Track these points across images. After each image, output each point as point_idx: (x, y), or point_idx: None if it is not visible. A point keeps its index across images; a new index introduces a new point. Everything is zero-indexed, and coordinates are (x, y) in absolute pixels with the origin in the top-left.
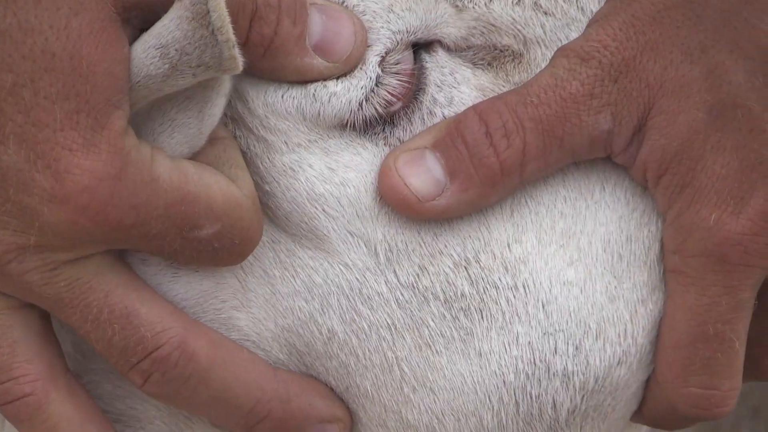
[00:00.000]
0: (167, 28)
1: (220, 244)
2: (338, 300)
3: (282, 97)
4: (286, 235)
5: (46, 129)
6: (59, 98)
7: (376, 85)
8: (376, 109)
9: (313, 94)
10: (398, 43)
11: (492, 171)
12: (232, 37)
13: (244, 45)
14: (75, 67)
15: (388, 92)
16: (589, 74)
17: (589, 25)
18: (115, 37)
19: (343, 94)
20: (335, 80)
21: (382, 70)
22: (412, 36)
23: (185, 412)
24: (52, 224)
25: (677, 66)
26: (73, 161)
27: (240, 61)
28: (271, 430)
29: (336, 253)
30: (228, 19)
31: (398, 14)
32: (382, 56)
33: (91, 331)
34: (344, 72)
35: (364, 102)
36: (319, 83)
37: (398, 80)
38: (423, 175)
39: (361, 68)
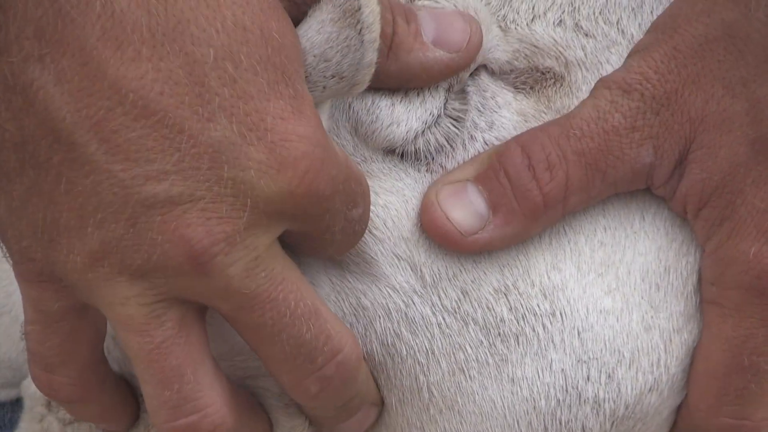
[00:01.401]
0: (306, 33)
1: (359, 227)
2: (382, 324)
3: (341, 102)
4: (334, 263)
5: (253, 100)
6: (260, 69)
7: (438, 117)
8: (429, 143)
9: (374, 112)
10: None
11: (535, 204)
12: (378, 37)
13: None
14: (267, 39)
15: (447, 125)
16: (632, 107)
17: (630, 56)
18: (285, 12)
19: (403, 122)
20: (401, 103)
21: (446, 104)
22: (474, 65)
23: (315, 410)
24: (267, 197)
25: (718, 100)
26: (288, 128)
27: (372, 73)
28: (352, 407)
29: (383, 277)
30: (379, 16)
31: None
32: (447, 89)
33: (288, 326)
34: (468, 61)
35: (420, 134)
36: (387, 101)
37: (454, 118)
38: (465, 209)
39: (427, 100)
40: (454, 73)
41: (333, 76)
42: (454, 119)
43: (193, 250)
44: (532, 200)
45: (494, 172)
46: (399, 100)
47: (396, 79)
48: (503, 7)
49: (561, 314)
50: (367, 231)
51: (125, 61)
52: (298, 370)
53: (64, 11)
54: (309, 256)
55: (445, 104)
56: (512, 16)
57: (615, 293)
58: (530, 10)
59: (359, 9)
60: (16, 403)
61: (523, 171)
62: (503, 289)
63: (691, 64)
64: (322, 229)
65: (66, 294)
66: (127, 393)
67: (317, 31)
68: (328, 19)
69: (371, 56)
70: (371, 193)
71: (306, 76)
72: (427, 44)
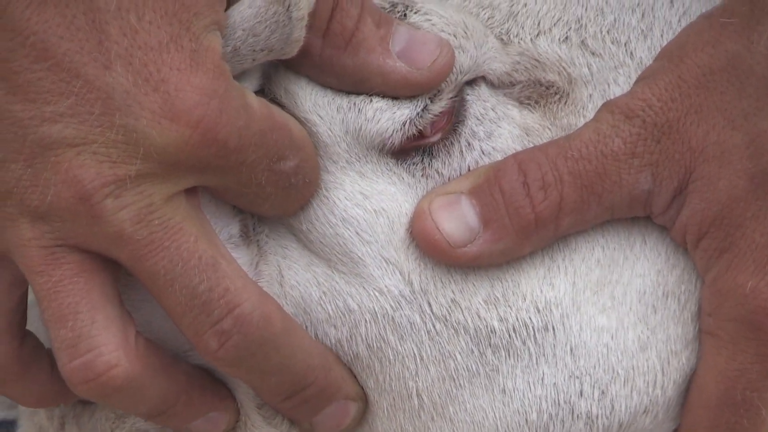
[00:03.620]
0: (239, 6)
1: (295, 180)
2: (367, 328)
3: (329, 102)
4: (321, 260)
5: (152, 51)
6: (163, 23)
7: (423, 109)
8: (419, 130)
9: (358, 107)
10: (453, 84)
11: (526, 222)
12: (307, 15)
13: (325, 35)
14: None
15: (433, 116)
16: (633, 132)
17: (637, 82)
18: None
19: (388, 109)
20: (383, 99)
21: (431, 100)
22: (465, 76)
23: (242, 380)
24: (160, 147)
25: (719, 131)
26: (182, 79)
27: (299, 45)
28: (312, 397)
29: (371, 279)
30: None
31: None
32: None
33: (179, 276)
34: (429, 81)
35: (407, 122)
36: (366, 98)
37: (441, 111)
38: (456, 221)
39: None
40: (414, 90)
41: (262, 50)
42: (443, 113)
43: (84, 191)
44: (525, 218)
45: (489, 186)
46: (381, 97)
47: (351, 76)
48: (507, 21)
49: (553, 329)
50: (354, 232)
51: (32, 4)
52: (195, 323)
53: None
54: (253, 213)
55: (428, 104)
56: (516, 31)
57: (610, 312)
58: (535, 26)
59: None
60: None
61: (518, 188)
62: (493, 300)
63: (695, 95)
64: (242, 183)
65: None
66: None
67: (248, 5)
68: None
69: (299, 33)
70: (360, 194)
71: (235, 49)
72: (391, 52)
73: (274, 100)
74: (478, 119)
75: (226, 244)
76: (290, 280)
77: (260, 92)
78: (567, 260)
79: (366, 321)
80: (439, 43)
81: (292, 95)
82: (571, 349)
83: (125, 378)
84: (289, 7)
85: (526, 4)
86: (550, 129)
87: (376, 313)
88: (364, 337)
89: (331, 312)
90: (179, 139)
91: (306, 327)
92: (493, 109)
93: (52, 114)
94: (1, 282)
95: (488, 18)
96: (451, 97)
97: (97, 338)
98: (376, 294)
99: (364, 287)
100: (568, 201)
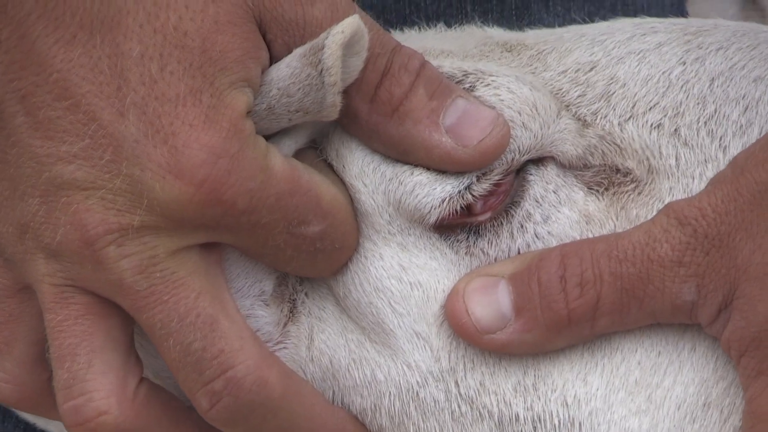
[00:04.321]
0: (277, 66)
1: (321, 245)
2: (391, 400)
3: (374, 169)
4: (355, 326)
5: (168, 103)
6: (185, 75)
7: (466, 188)
8: (457, 210)
9: (400, 178)
10: (509, 164)
11: (558, 317)
12: (340, 81)
13: (372, 100)
14: (206, 50)
15: (476, 197)
16: (682, 240)
17: (708, 184)
18: (253, 36)
19: (428, 184)
20: (426, 172)
21: (477, 179)
22: (525, 156)
23: None
24: (163, 201)
25: (764, 252)
26: (192, 135)
27: (338, 110)
28: None
29: (401, 351)
30: (339, 62)
31: (513, 134)
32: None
33: (174, 332)
34: (474, 160)
35: (447, 199)
36: (409, 169)
37: (491, 190)
38: (488, 307)
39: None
40: (458, 168)
41: (297, 111)
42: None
43: (88, 236)
44: (557, 313)
45: (528, 275)
46: (425, 170)
47: (396, 146)
48: (598, 101)
49: (580, 425)
50: (387, 302)
51: (59, 41)
52: (188, 380)
53: None
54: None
55: (473, 182)
56: (605, 112)
57: (644, 415)
58: (628, 109)
59: (322, 48)
60: None
61: (555, 281)
62: (523, 388)
63: (748, 210)
64: (259, 243)
65: (8, 270)
66: None
67: (287, 64)
68: (299, 53)
69: (332, 98)
70: (398, 266)
71: (270, 107)
72: (440, 126)
73: (326, 161)
74: (536, 201)
75: (254, 301)
76: (320, 344)
77: (313, 150)
78: (606, 358)
79: (391, 393)
80: (493, 121)
81: (342, 158)
82: None
83: (114, 425)
84: (321, 71)
85: (624, 85)
86: (614, 220)
87: (401, 386)
88: (387, 409)
89: (358, 380)
90: (182, 196)
91: (333, 392)
92: (555, 192)
93: (66, 154)
94: (30, 313)
95: (578, 96)
96: (500, 178)
97: (91, 383)
98: (404, 367)
99: (393, 359)
100: (606, 302)
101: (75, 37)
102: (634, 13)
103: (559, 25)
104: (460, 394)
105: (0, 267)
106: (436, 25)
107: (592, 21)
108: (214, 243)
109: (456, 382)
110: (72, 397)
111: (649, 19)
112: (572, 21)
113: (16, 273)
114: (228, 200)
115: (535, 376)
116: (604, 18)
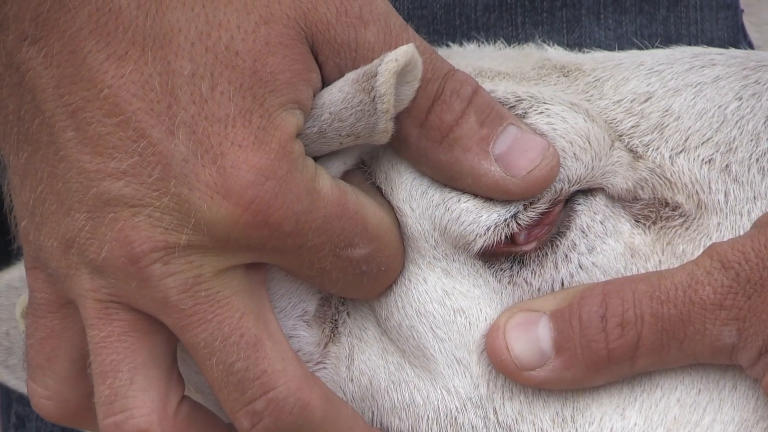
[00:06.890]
0: (329, 90)
1: (367, 268)
2: (429, 425)
3: (422, 194)
4: (396, 348)
5: (218, 123)
6: (236, 95)
7: (513, 217)
8: (502, 239)
9: (447, 204)
10: (557, 194)
11: (598, 357)
12: (392, 108)
13: (422, 125)
14: (257, 71)
15: (522, 226)
16: (725, 284)
17: (753, 226)
18: (304, 57)
19: (474, 211)
20: (473, 199)
21: (524, 208)
22: (574, 187)
23: None
24: (210, 221)
25: None
26: (240, 157)
27: (390, 135)
28: None
29: (440, 377)
30: (392, 90)
31: (563, 164)
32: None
33: (217, 352)
34: (522, 190)
35: (492, 227)
36: (456, 195)
37: (538, 219)
38: (528, 343)
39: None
40: (505, 197)
41: (348, 135)
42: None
43: (134, 253)
44: (596, 352)
45: (570, 312)
46: (472, 197)
47: (444, 172)
48: (651, 133)
49: None
50: (429, 327)
51: (111, 57)
52: (229, 399)
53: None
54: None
55: (520, 211)
56: (657, 144)
57: None
58: (681, 142)
59: (375, 75)
60: None
61: (595, 321)
62: (561, 419)
63: None
64: (304, 265)
65: (51, 284)
66: None
67: (339, 88)
68: (351, 78)
69: (384, 125)
70: (441, 291)
71: (321, 131)
72: (489, 154)
73: (374, 184)
74: (582, 231)
75: (297, 321)
76: (360, 364)
77: (361, 171)
78: (645, 393)
79: (429, 417)
80: (543, 151)
81: (390, 182)
82: None
83: None
84: (375, 98)
85: (678, 118)
86: (659, 255)
87: (440, 411)
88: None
89: (396, 402)
90: (229, 217)
91: (372, 413)
92: (602, 223)
93: (114, 170)
94: (73, 328)
95: (632, 126)
96: (548, 207)
97: (132, 400)
98: (443, 392)
99: (432, 383)
100: (646, 342)
101: (126, 54)
102: (687, 26)
103: (610, 39)
104: (498, 422)
105: (43, 281)
106: (486, 37)
107: (644, 34)
108: (259, 263)
109: (494, 410)
110: (113, 414)
111: (708, 50)
112: (623, 34)
113: (59, 288)
114: (274, 222)
115: (573, 408)
116: (655, 32)
